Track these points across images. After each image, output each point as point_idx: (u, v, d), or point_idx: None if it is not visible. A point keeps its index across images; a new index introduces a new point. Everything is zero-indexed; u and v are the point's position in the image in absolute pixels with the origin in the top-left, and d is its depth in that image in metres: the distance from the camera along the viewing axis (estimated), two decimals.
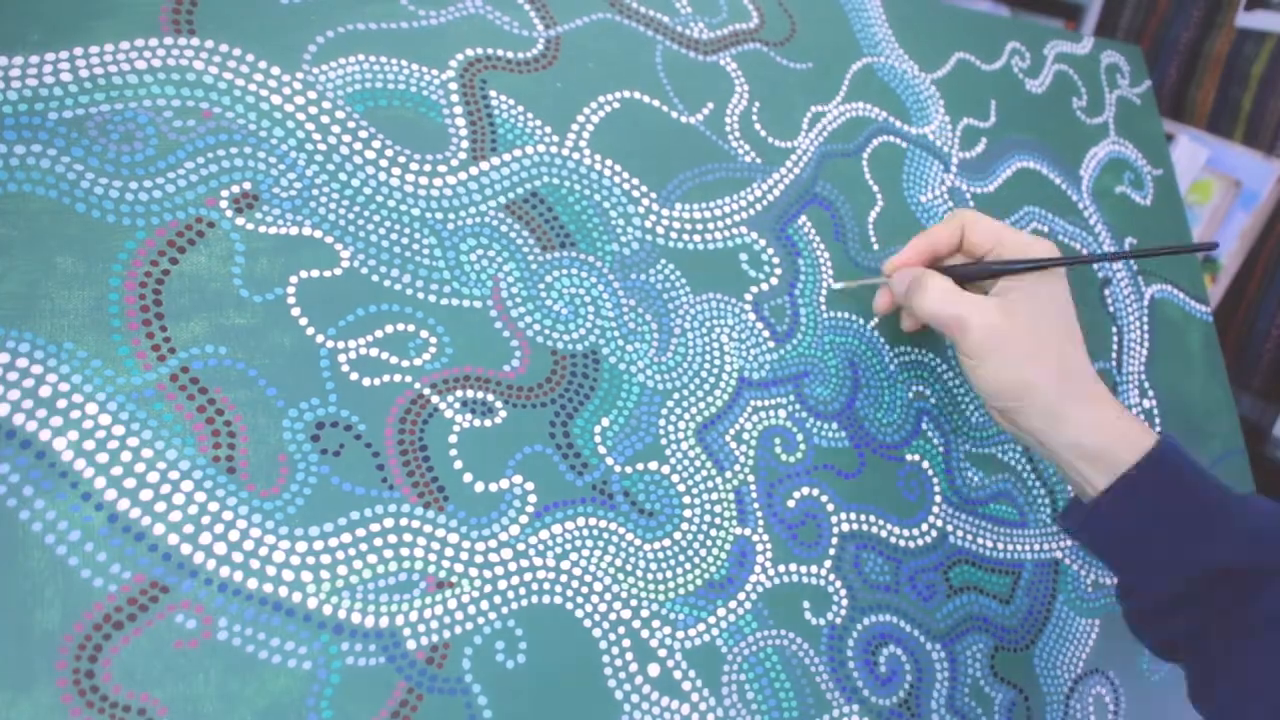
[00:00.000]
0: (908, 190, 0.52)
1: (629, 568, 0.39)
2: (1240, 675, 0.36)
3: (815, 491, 0.44)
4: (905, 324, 0.47)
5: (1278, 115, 1.26)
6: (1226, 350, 1.27)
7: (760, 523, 0.42)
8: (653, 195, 0.44)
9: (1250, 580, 0.36)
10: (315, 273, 0.37)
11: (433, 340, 0.38)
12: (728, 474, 0.42)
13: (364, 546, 0.34)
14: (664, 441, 0.41)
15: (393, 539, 0.35)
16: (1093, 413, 0.39)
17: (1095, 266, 0.58)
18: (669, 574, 0.39)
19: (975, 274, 0.42)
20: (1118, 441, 0.38)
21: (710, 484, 0.41)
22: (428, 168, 0.40)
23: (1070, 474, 0.40)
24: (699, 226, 0.45)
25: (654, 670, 0.38)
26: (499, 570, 0.36)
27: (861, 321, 0.48)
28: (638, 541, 0.39)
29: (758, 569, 0.41)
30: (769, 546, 0.42)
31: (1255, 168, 1.23)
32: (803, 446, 0.44)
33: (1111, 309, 0.57)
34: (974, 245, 0.43)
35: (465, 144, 0.41)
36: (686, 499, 0.41)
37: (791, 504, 0.43)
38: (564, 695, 0.36)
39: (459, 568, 0.36)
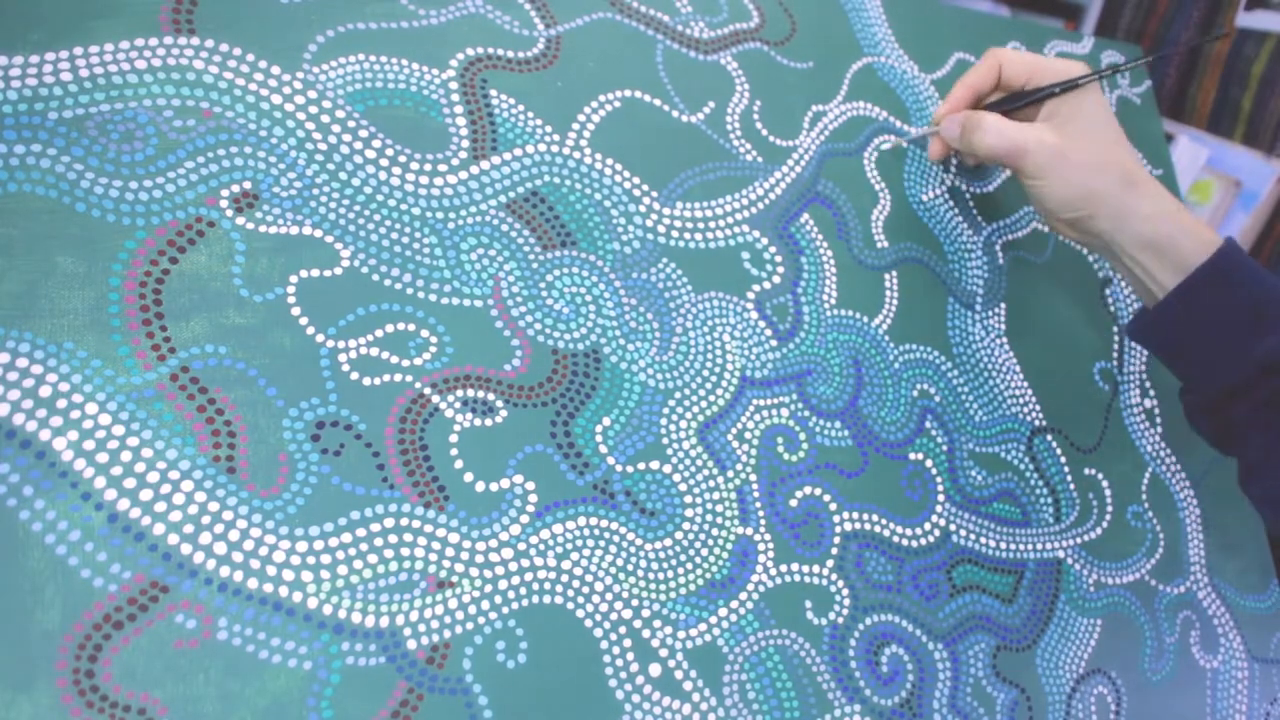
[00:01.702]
0: (909, 188, 0.52)
1: (630, 567, 0.38)
2: None
3: (818, 491, 0.43)
4: (968, 162, 0.52)
5: (1278, 115, 1.26)
6: None
7: (762, 522, 0.42)
8: (654, 194, 0.44)
9: None
10: (315, 272, 0.37)
11: (433, 339, 0.38)
12: (730, 473, 0.42)
13: (364, 546, 0.34)
14: (665, 441, 0.41)
15: (393, 539, 0.35)
16: (1155, 205, 0.42)
17: (1095, 266, 0.58)
18: (670, 574, 0.39)
19: (1019, 103, 0.46)
20: (1181, 234, 0.41)
21: (712, 483, 0.41)
22: (428, 167, 0.40)
23: (1138, 274, 0.43)
24: (700, 225, 0.45)
25: (655, 670, 0.38)
26: (500, 570, 0.36)
27: (865, 319, 0.48)
28: (639, 541, 0.39)
29: (759, 568, 0.41)
30: (771, 546, 0.41)
31: (1255, 168, 1.23)
32: (805, 445, 0.44)
33: (1112, 308, 0.57)
34: (1011, 79, 0.47)
35: (466, 143, 0.41)
36: (688, 498, 0.40)
37: (794, 503, 0.43)
38: (565, 695, 0.36)
39: (460, 567, 0.36)
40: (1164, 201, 0.42)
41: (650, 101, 0.46)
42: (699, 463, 0.41)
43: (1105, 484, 0.52)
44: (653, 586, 0.39)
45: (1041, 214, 0.46)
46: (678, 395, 0.42)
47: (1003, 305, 0.53)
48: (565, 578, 0.37)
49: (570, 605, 0.37)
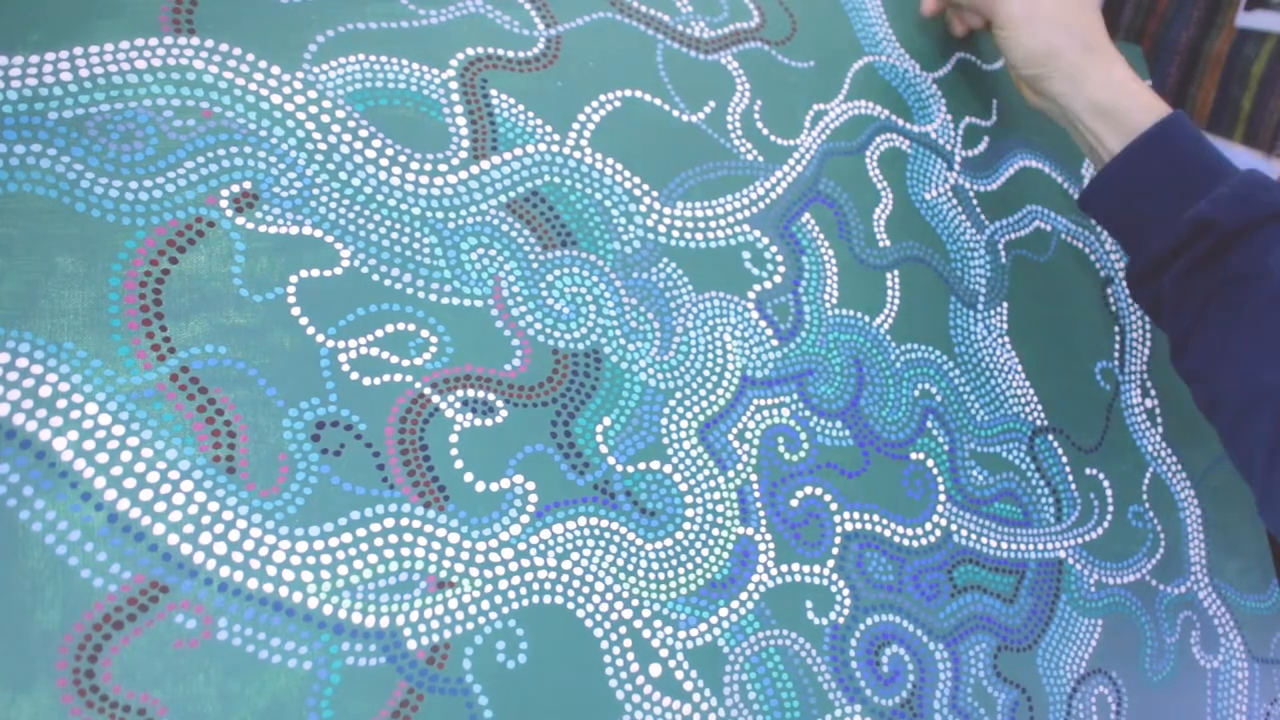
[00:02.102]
0: (911, 187, 0.52)
1: (630, 567, 0.38)
2: (1208, 330, 0.40)
3: (818, 490, 0.43)
4: (955, 29, 0.55)
5: (1278, 115, 1.26)
6: None
7: (763, 522, 0.42)
8: (654, 194, 0.44)
9: (1225, 236, 0.39)
10: (315, 272, 0.37)
11: (433, 339, 0.38)
12: (730, 473, 0.42)
13: (364, 546, 0.34)
14: (666, 441, 0.41)
15: (393, 539, 0.35)
16: (1109, 74, 0.44)
17: (1097, 265, 0.57)
18: (671, 574, 0.39)
19: None
20: (1129, 101, 0.43)
21: (713, 483, 0.41)
22: (428, 167, 0.40)
23: (1090, 140, 0.45)
24: (701, 225, 0.45)
25: (655, 670, 0.38)
26: (500, 570, 0.36)
27: (867, 319, 0.48)
28: (639, 541, 0.39)
29: (760, 568, 0.41)
30: (771, 546, 0.41)
31: (1255, 167, 1.23)
32: (806, 445, 0.44)
33: (1114, 308, 0.57)
34: None
35: (466, 143, 0.41)
36: (689, 498, 0.40)
37: (794, 503, 0.43)
38: (565, 695, 0.36)
39: (460, 567, 0.35)
40: (1119, 70, 0.44)
41: (651, 101, 0.46)
42: (699, 463, 0.41)
43: (1106, 484, 0.52)
44: (653, 586, 0.39)
45: (1009, 69, 0.48)
46: (678, 395, 0.42)
47: (1005, 305, 0.53)
48: (565, 578, 0.37)
49: (570, 605, 0.37)
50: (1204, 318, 0.41)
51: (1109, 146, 0.44)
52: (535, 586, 0.36)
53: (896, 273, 0.49)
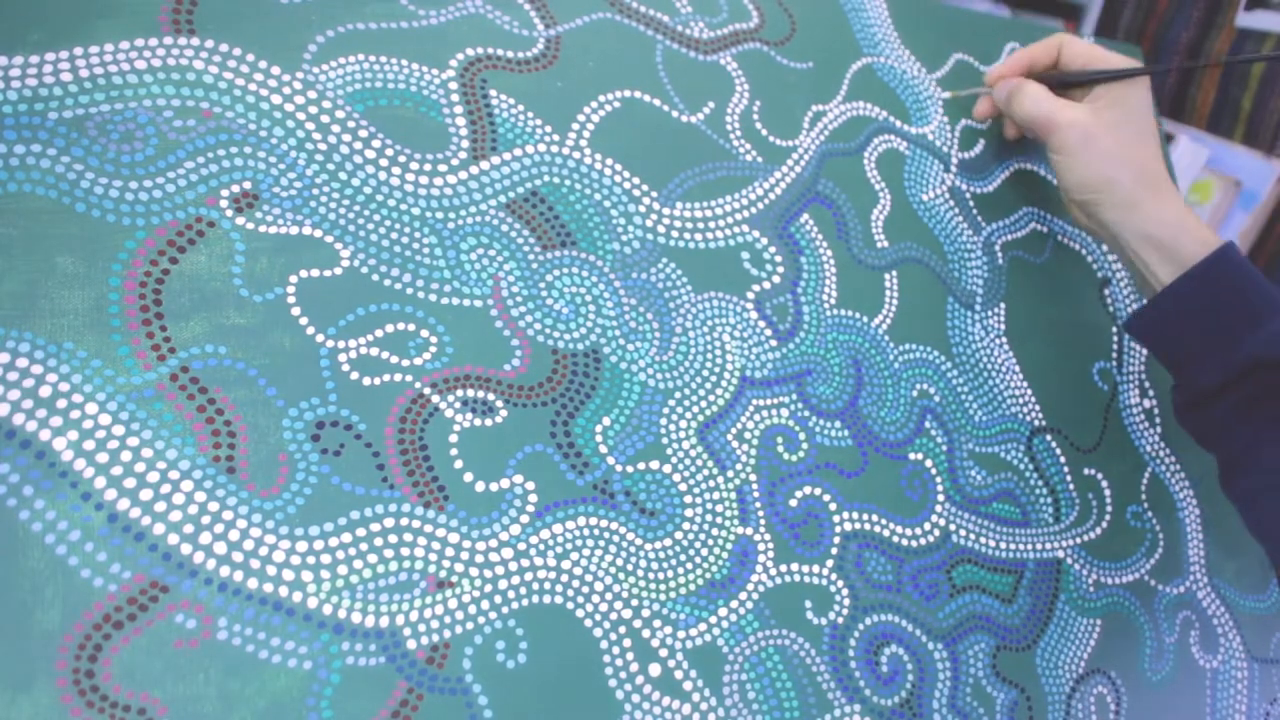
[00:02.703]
0: (909, 188, 0.52)
1: (630, 567, 0.38)
2: (1261, 463, 0.41)
3: (817, 490, 0.43)
4: (1008, 132, 0.54)
5: (1278, 115, 1.26)
6: None
7: (762, 522, 0.42)
8: (654, 194, 0.44)
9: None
10: (315, 272, 0.37)
11: (433, 339, 0.38)
12: (729, 473, 0.42)
13: (364, 546, 0.34)
14: (665, 441, 0.41)
15: (393, 539, 0.35)
16: (1163, 208, 0.43)
17: (1094, 266, 0.58)
18: (670, 573, 0.39)
19: (1066, 83, 0.48)
20: (1184, 235, 0.43)
21: (712, 483, 0.41)
22: (428, 167, 0.40)
23: (1138, 267, 0.45)
24: (700, 225, 0.45)
25: (655, 670, 0.38)
26: (499, 570, 0.36)
27: (865, 319, 0.48)
28: (639, 541, 0.39)
29: (759, 568, 0.41)
30: (771, 546, 0.41)
31: (1255, 168, 1.23)
32: (805, 445, 0.44)
33: (1111, 309, 0.57)
34: (1068, 61, 0.48)
35: (465, 143, 0.41)
36: (688, 498, 0.40)
37: (794, 503, 0.43)
38: (565, 695, 0.36)
39: (459, 567, 0.36)
40: (1173, 204, 0.44)
41: (650, 102, 0.46)
42: (699, 463, 0.41)
43: (1105, 484, 0.52)
44: (653, 586, 0.39)
45: (1061, 190, 0.48)
46: (678, 395, 0.42)
47: (1002, 305, 0.53)
48: (565, 578, 0.37)
49: (570, 605, 0.37)
50: (1258, 447, 0.41)
51: (1159, 276, 0.43)
52: (535, 586, 0.37)
53: (894, 273, 0.50)
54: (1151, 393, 0.56)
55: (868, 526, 0.44)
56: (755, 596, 0.40)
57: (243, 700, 0.31)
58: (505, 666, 0.35)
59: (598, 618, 0.37)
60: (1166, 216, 0.43)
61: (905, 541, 0.45)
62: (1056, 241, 0.57)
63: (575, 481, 0.39)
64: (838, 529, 0.43)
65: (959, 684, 0.44)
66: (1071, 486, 0.51)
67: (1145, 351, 0.57)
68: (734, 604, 0.40)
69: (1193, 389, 0.43)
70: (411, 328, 0.38)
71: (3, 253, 0.32)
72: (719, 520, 0.41)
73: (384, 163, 0.39)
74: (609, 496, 0.39)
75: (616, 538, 0.39)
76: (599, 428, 0.40)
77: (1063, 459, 0.51)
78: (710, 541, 0.40)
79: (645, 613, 0.38)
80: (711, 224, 0.45)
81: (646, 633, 0.38)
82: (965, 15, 0.60)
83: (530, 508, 0.37)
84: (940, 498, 0.47)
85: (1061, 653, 0.47)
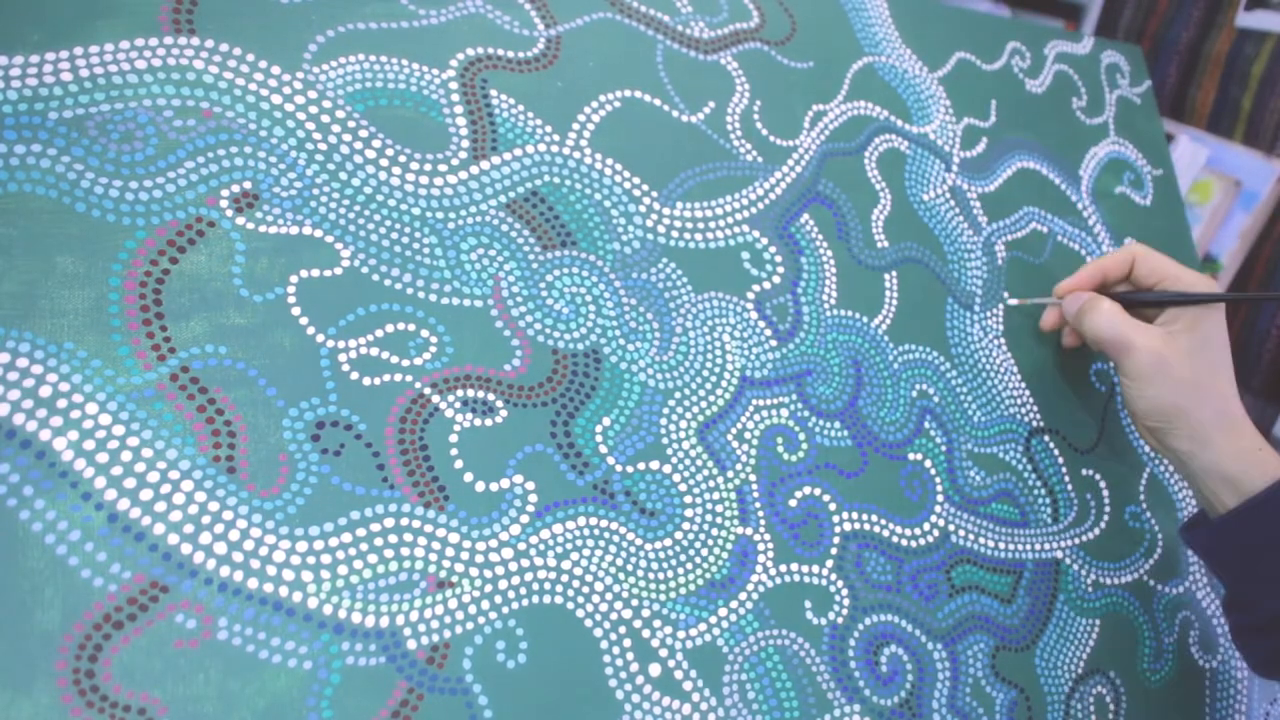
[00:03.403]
0: (909, 188, 0.52)
1: (630, 567, 0.38)
2: None
3: (817, 491, 0.43)
4: (1066, 340, 0.51)
5: (1278, 115, 1.26)
6: None
7: (762, 522, 0.42)
8: (654, 194, 0.44)
9: None
10: (315, 272, 0.37)
11: (433, 339, 0.38)
12: (729, 473, 0.42)
13: (364, 546, 0.34)
14: (665, 441, 0.41)
15: (393, 539, 0.35)
16: (1235, 442, 0.42)
17: None
18: (670, 574, 0.39)
19: (1142, 302, 0.46)
20: (1254, 469, 0.41)
21: (712, 483, 0.41)
22: (428, 167, 0.40)
23: (1203, 491, 0.43)
24: (700, 225, 0.45)
25: (655, 670, 0.38)
26: (500, 570, 0.36)
27: (865, 320, 0.48)
28: (639, 541, 0.39)
29: (759, 568, 0.41)
30: (770, 546, 0.41)
31: (1255, 168, 1.23)
32: (805, 445, 0.44)
33: None
34: (1142, 277, 0.47)
35: (466, 143, 0.41)
36: (688, 498, 0.41)
37: (793, 503, 0.43)
38: (565, 695, 0.36)
39: (459, 567, 0.36)
40: (1247, 438, 0.42)
41: (650, 101, 0.46)
42: (699, 463, 0.41)
43: (1103, 484, 0.52)
44: (653, 586, 0.39)
45: (1128, 411, 0.46)
46: (678, 395, 0.42)
47: (1000, 306, 0.53)
48: (565, 578, 0.37)
49: (570, 605, 0.37)
50: None
51: (1224, 503, 0.42)
52: (535, 586, 0.37)
53: (894, 274, 0.50)
54: None
55: (867, 527, 0.44)
56: (755, 596, 0.40)
57: (243, 700, 0.31)
58: (505, 666, 0.35)
59: (598, 618, 0.37)
60: (1237, 453, 0.42)
61: (905, 542, 0.45)
62: (1056, 242, 0.57)
63: (575, 481, 0.39)
64: (837, 529, 0.43)
65: (958, 684, 0.44)
66: (1070, 487, 0.51)
67: None
68: (734, 604, 0.40)
69: (1251, 613, 0.42)
70: (412, 328, 0.38)
71: (3, 253, 0.32)
72: (719, 520, 0.41)
73: (384, 163, 0.39)
74: (609, 496, 0.39)
75: (616, 538, 0.39)
76: (599, 428, 0.40)
77: (1061, 459, 0.51)
78: (710, 541, 0.40)
79: (645, 613, 0.38)
80: (712, 224, 0.45)
81: (646, 633, 0.38)
82: (966, 15, 0.60)
83: (530, 508, 0.37)
84: (939, 498, 0.47)
85: (1061, 653, 0.47)
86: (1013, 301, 0.52)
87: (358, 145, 0.39)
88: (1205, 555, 0.45)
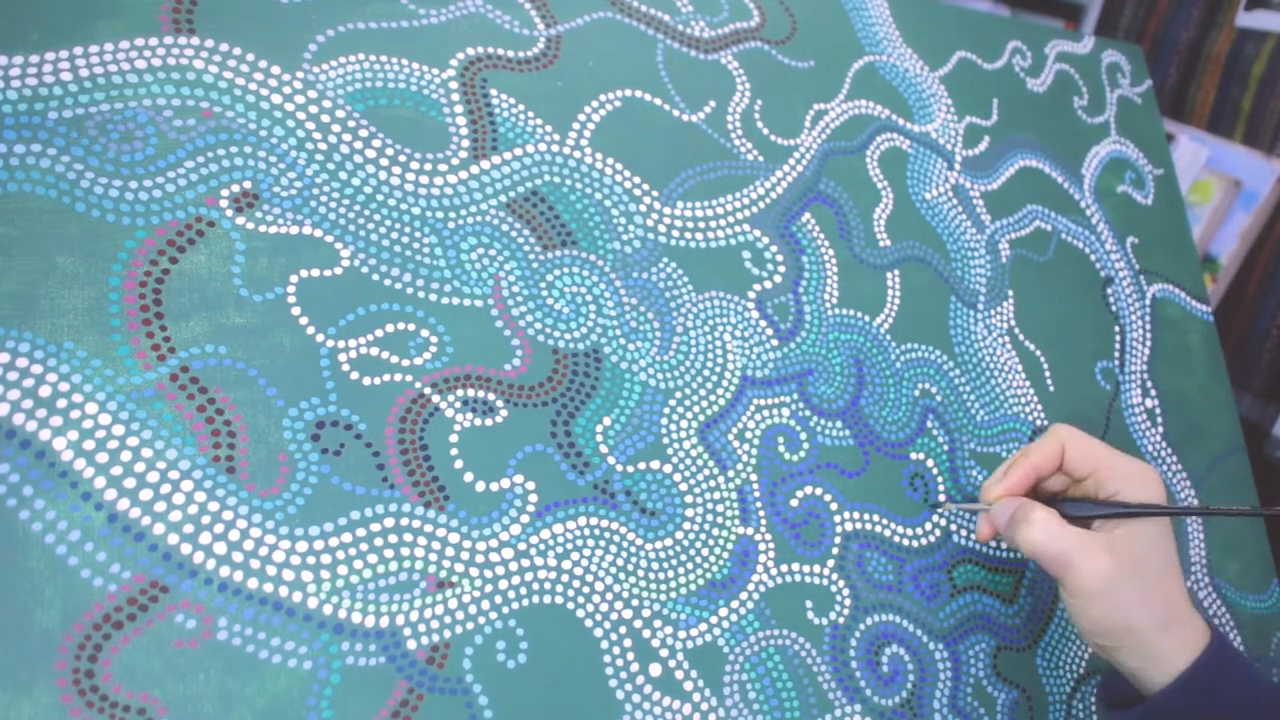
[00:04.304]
0: (911, 187, 0.52)
1: (630, 567, 0.38)
2: None
3: (818, 490, 0.43)
4: (982, 531, 0.44)
5: (1278, 115, 1.26)
6: (1226, 350, 1.26)
7: (763, 522, 0.42)
8: (654, 193, 0.44)
9: None
10: (315, 272, 0.37)
11: (433, 339, 0.38)
12: (730, 473, 0.42)
13: (364, 546, 0.34)
14: (666, 440, 0.41)
15: (393, 539, 0.35)
16: (1185, 648, 0.39)
17: (1097, 265, 0.57)
18: (671, 573, 0.39)
19: (1080, 515, 0.41)
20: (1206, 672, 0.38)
21: (713, 483, 0.41)
22: (428, 166, 0.40)
23: (1137, 684, 0.40)
24: (701, 224, 0.45)
25: (655, 670, 0.38)
26: (500, 570, 0.36)
27: (867, 319, 0.48)
28: (639, 541, 0.39)
29: (760, 568, 0.41)
30: (771, 546, 0.41)
31: (1255, 168, 1.23)
32: (806, 445, 0.44)
33: (1114, 308, 0.57)
34: (1073, 467, 0.42)
35: (466, 143, 0.41)
36: (689, 498, 0.40)
37: (794, 503, 0.43)
38: (565, 695, 0.36)
39: (460, 567, 0.35)
40: (1198, 639, 0.39)
41: (651, 101, 0.46)
42: (699, 462, 0.41)
43: None
44: (653, 586, 0.39)
45: (1075, 627, 0.42)
46: (678, 395, 0.42)
47: (1005, 304, 0.53)
48: (565, 578, 0.37)
49: (570, 605, 0.37)
50: None
51: (1156, 684, 0.39)
52: (535, 586, 0.36)
53: (897, 272, 0.49)
54: (1154, 392, 0.56)
55: (869, 526, 0.44)
56: (756, 596, 0.40)
57: (243, 700, 0.31)
58: (505, 666, 0.35)
59: (598, 618, 0.37)
60: (1186, 652, 0.39)
61: (906, 541, 0.45)
62: (1060, 240, 0.57)
63: (576, 481, 0.38)
64: (839, 529, 0.43)
65: (960, 684, 0.44)
66: None
67: (1148, 350, 0.57)
68: (735, 604, 0.40)
69: None
70: (412, 327, 0.37)
71: (3, 253, 0.32)
72: (720, 520, 0.41)
73: (384, 162, 0.39)
74: (609, 496, 0.39)
75: (617, 538, 0.38)
76: (599, 427, 0.40)
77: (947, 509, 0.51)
78: (711, 541, 0.40)
79: (646, 613, 0.38)
80: (712, 223, 0.45)
81: (647, 633, 0.38)
82: (966, 14, 0.60)
83: (531, 508, 0.37)
84: (942, 497, 0.47)
85: (1062, 653, 0.47)
86: (941, 510, 0.46)
87: (358, 145, 0.39)
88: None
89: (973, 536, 0.47)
